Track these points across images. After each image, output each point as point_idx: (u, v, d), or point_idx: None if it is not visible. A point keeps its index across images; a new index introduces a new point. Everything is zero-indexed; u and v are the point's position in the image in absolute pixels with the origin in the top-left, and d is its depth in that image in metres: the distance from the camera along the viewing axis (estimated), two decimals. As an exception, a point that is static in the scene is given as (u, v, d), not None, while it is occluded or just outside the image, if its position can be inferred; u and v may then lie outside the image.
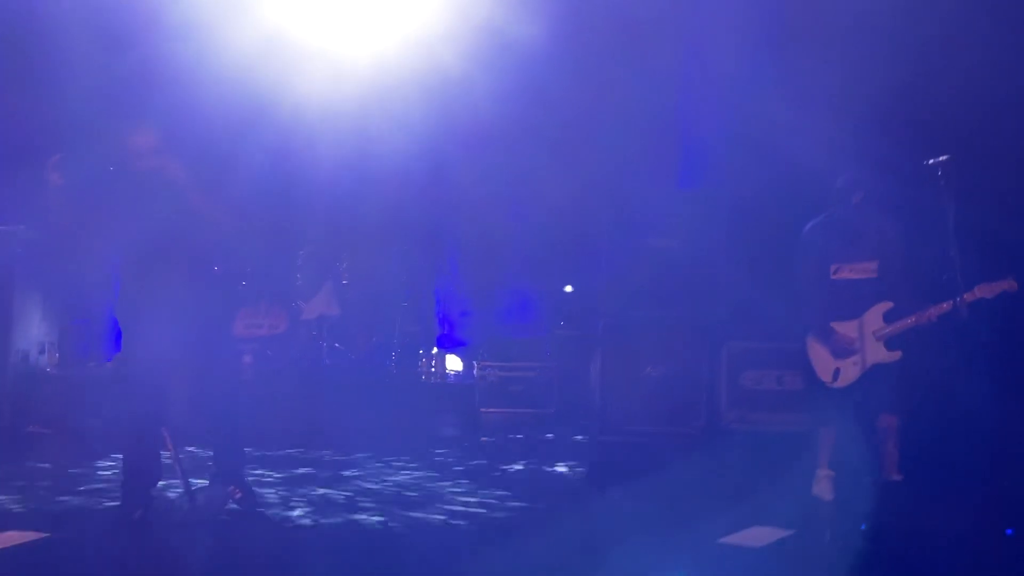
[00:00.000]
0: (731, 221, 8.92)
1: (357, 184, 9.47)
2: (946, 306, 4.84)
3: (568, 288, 9.59)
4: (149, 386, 4.50)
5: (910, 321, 5.08)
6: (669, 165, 10.12)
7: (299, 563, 4.01)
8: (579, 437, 7.57)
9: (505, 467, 6.27)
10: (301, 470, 5.94)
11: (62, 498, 5.15)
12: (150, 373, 4.48)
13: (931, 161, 4.85)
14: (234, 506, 4.71)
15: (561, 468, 6.56)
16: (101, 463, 5.92)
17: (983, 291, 4.93)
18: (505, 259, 10.20)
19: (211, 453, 4.97)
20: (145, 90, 6.55)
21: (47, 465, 5.86)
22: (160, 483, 4.63)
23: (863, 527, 4.13)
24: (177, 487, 4.70)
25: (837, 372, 5.24)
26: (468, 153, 8.99)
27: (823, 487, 5.37)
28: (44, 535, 4.22)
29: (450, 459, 6.54)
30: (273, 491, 5.28)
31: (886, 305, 5.20)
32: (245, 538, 4.38)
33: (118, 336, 9.28)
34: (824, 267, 5.29)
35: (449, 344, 9.83)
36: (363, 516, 4.84)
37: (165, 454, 4.66)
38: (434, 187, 9.71)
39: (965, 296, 4.83)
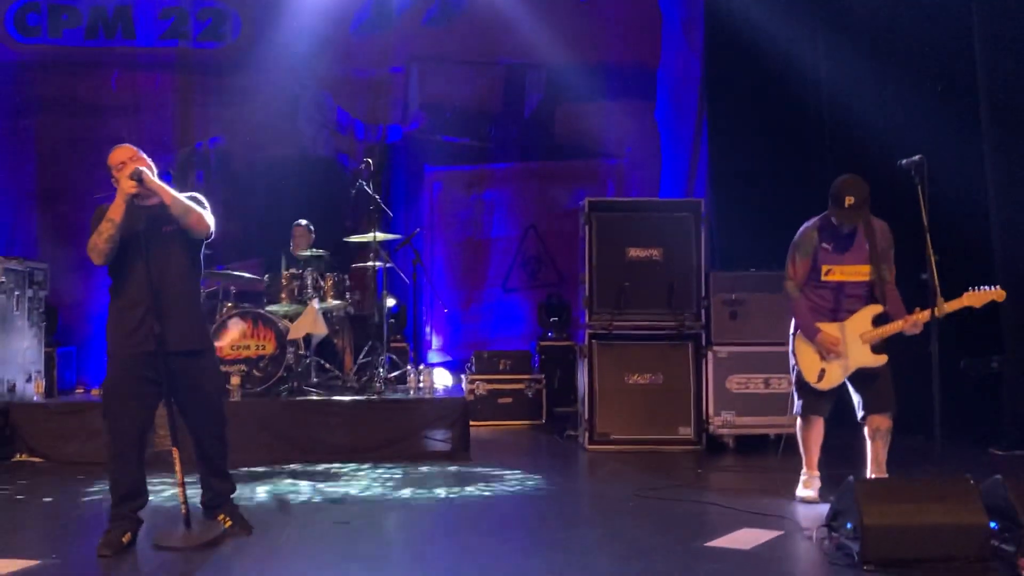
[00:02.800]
0: (713, 228, 9.10)
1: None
2: (931, 313, 4.89)
3: (553, 298, 9.64)
4: (131, 405, 4.51)
5: (897, 326, 5.14)
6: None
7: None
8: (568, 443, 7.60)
9: (494, 474, 6.29)
10: (290, 485, 5.96)
11: (52, 526, 5.16)
12: (133, 392, 4.50)
13: (904, 161, 4.94)
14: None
15: (549, 474, 6.58)
16: (91, 490, 5.92)
17: (970, 299, 4.99)
18: (490, 270, 10.27)
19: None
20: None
21: (36, 493, 5.86)
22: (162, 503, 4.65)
23: (848, 526, 4.17)
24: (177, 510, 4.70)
25: (822, 373, 5.30)
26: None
27: (809, 488, 5.43)
28: (35, 563, 4.23)
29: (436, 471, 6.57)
30: (262, 502, 5.31)
31: (875, 308, 5.26)
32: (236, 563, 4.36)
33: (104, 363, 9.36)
34: (816, 268, 5.35)
35: (438, 359, 9.88)
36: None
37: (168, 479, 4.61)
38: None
39: (950, 304, 4.92)
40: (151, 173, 4.51)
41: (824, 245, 5.33)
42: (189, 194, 4.63)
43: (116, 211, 4.42)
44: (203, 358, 4.68)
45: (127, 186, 4.39)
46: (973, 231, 7.12)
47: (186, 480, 4.54)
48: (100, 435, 6.70)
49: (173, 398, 4.62)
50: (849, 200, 5.16)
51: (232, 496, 4.89)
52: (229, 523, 4.75)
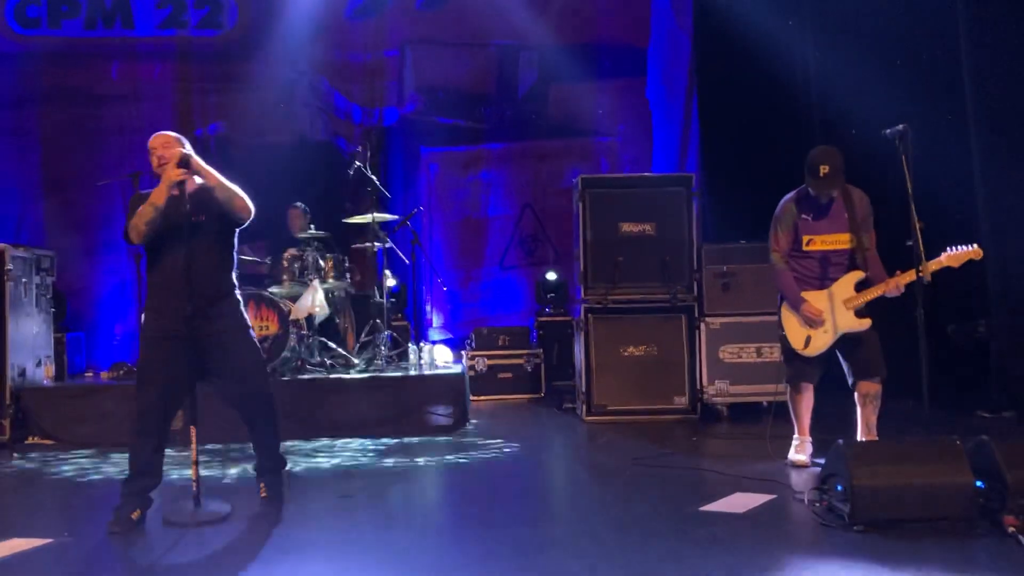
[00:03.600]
0: (704, 202, 9.10)
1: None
2: (912, 274, 4.91)
3: (551, 275, 9.64)
4: (157, 386, 4.53)
5: (879, 290, 5.16)
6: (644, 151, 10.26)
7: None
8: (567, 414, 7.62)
9: (494, 446, 6.31)
10: (294, 460, 5.98)
11: (64, 505, 5.19)
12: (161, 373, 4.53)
13: (888, 131, 4.93)
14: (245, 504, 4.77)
15: (549, 445, 6.61)
16: (101, 470, 5.94)
17: (949, 260, 5.00)
18: (488, 249, 10.27)
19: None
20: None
21: (48, 474, 5.88)
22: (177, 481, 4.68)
23: (839, 488, 4.19)
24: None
25: (808, 340, 5.32)
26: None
27: (799, 453, 5.46)
28: (48, 541, 4.26)
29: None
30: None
31: (857, 275, 5.27)
32: (233, 546, 4.38)
33: (113, 346, 9.40)
34: (797, 239, 5.36)
35: (439, 335, 9.89)
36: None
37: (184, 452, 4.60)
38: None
39: (930, 264, 4.92)
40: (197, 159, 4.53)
41: (804, 216, 5.35)
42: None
43: (159, 196, 4.44)
44: (237, 341, 4.68)
45: (174, 174, 4.40)
46: (957, 204, 7.11)
47: (200, 459, 4.57)
48: (109, 417, 6.86)
49: (212, 381, 4.68)
50: (824, 169, 5.17)
51: (277, 474, 4.94)
52: (264, 495, 4.83)
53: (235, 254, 4.80)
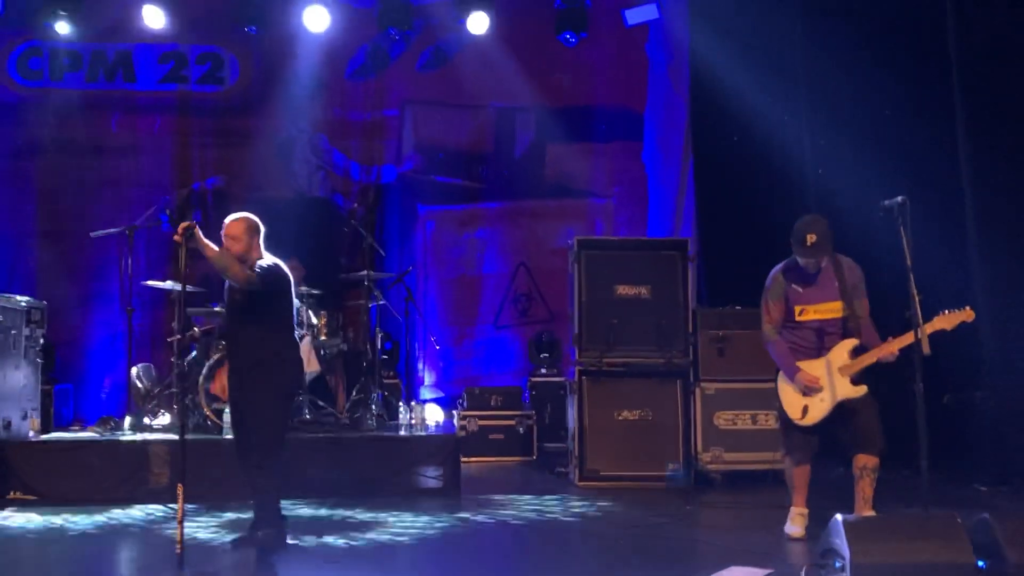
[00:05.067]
0: (699, 266, 9.07)
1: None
2: (907, 338, 4.85)
3: (544, 335, 9.57)
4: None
5: (874, 355, 5.09)
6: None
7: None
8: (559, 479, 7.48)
9: (485, 510, 6.17)
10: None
11: (43, 564, 5.03)
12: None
13: (886, 203, 4.90)
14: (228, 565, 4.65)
15: (544, 512, 6.47)
16: (79, 527, 5.79)
17: (942, 322, 4.95)
18: (482, 307, 10.21)
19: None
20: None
21: (29, 531, 5.73)
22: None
23: (837, 565, 4.07)
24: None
25: (805, 409, 5.23)
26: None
27: (796, 525, 5.33)
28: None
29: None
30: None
31: (851, 342, 5.22)
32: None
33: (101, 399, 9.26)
34: (790, 309, 5.31)
35: (429, 395, 9.77)
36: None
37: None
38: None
39: (925, 327, 4.86)
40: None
41: (794, 286, 5.31)
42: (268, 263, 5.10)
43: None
44: (248, 393, 5.03)
45: (176, 236, 4.83)
46: (951, 277, 7.08)
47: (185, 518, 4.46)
48: (92, 472, 6.71)
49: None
50: (811, 238, 5.14)
51: (271, 534, 5.00)
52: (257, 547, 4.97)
53: (266, 307, 5.09)
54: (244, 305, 5.08)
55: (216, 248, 4.97)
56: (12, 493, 6.70)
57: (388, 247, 9.46)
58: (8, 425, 6.93)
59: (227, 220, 5.20)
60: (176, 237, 4.80)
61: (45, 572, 4.85)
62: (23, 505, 6.49)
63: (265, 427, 5.00)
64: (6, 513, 6.23)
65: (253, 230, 5.19)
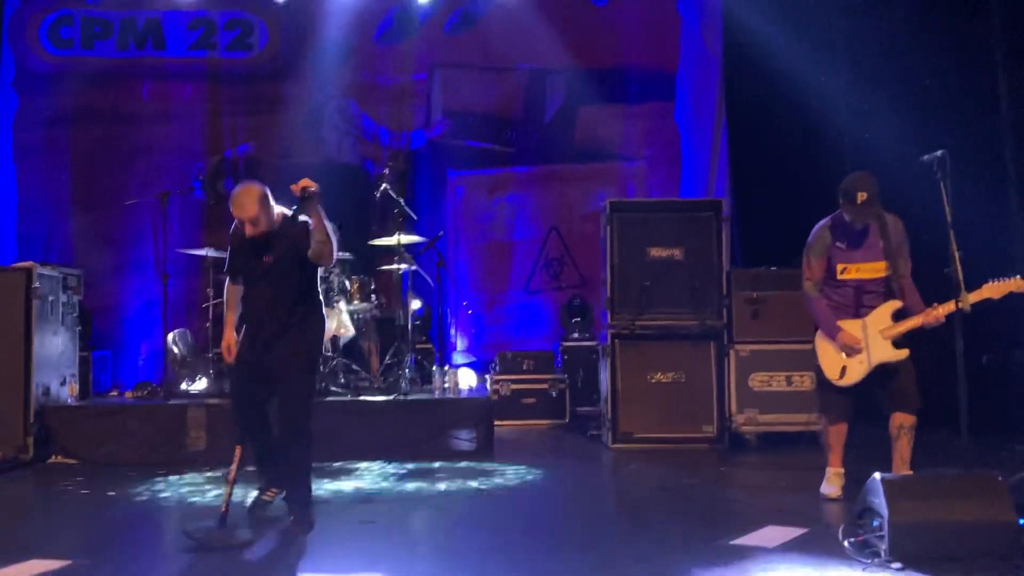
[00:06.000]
0: (734, 227, 8.99)
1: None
2: (952, 305, 4.77)
3: (576, 299, 9.54)
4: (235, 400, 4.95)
5: (917, 320, 5.02)
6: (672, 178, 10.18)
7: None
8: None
9: (518, 473, 6.20)
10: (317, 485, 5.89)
11: (84, 526, 5.12)
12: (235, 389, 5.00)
13: (926, 157, 4.81)
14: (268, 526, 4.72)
15: (577, 474, 6.47)
16: (120, 491, 5.88)
17: (990, 291, 4.86)
18: (513, 272, 10.20)
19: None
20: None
21: (69, 494, 5.83)
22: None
23: (874, 524, 4.05)
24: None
25: (844, 370, 5.18)
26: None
27: (832, 485, 5.30)
28: (67, 562, 4.18)
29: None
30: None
31: (894, 304, 5.14)
32: (253, 570, 4.30)
33: (138, 365, 9.37)
34: (832, 267, 5.24)
35: (462, 359, 9.80)
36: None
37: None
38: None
39: (971, 295, 4.78)
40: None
41: (838, 244, 5.22)
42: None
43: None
44: (287, 368, 4.80)
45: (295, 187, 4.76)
46: (992, 233, 6.96)
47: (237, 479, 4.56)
48: (132, 436, 6.82)
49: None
50: (861, 196, 5.04)
51: (307, 497, 4.93)
52: (293, 518, 4.81)
53: (312, 288, 4.98)
54: (295, 275, 4.83)
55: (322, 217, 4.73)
56: (54, 457, 6.84)
57: (419, 212, 9.43)
58: (48, 391, 7.04)
59: (242, 197, 4.77)
60: (295, 188, 4.67)
61: (86, 534, 4.93)
62: (64, 469, 6.60)
63: (303, 395, 4.88)
64: (49, 476, 6.34)
65: (267, 199, 4.85)
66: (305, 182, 4.69)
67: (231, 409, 5.00)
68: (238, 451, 4.68)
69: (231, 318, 5.01)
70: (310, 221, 4.71)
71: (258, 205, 4.75)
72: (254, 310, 4.85)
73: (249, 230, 4.78)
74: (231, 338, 4.94)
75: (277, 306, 4.80)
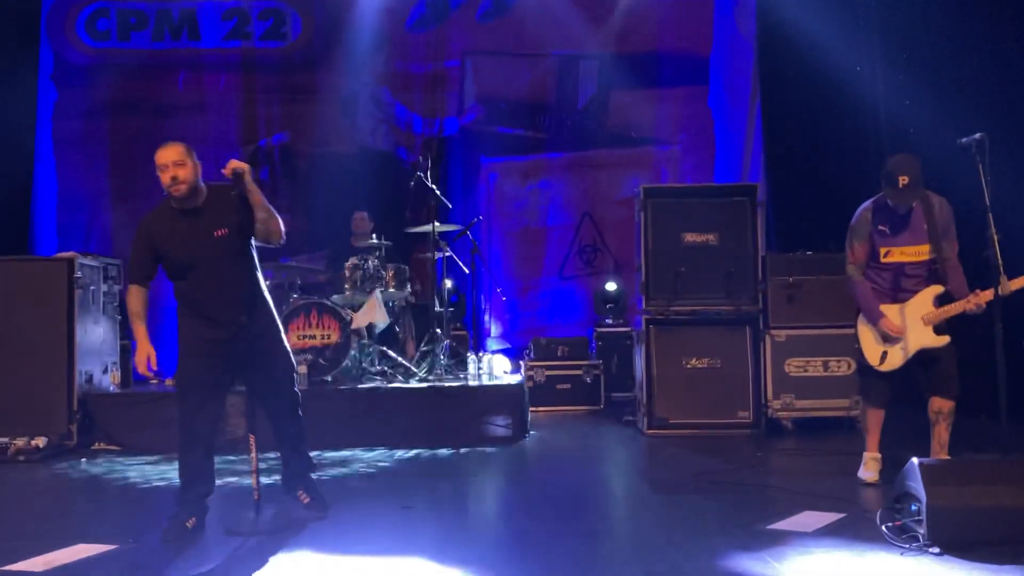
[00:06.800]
0: (769, 212, 8.94)
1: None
2: (993, 292, 4.72)
3: (610, 285, 9.55)
4: (198, 394, 4.53)
5: (960, 307, 4.97)
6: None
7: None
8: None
9: (554, 458, 6.24)
10: (354, 470, 5.96)
11: (128, 512, 5.22)
12: (199, 379, 4.53)
13: (964, 140, 4.76)
14: (303, 511, 4.78)
15: (612, 460, 6.50)
16: (165, 477, 5.99)
17: None
18: (546, 258, 10.22)
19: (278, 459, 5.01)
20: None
21: (113, 480, 5.95)
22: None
23: (912, 508, 4.04)
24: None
25: (884, 355, 5.15)
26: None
27: (870, 470, 5.29)
28: (112, 547, 4.28)
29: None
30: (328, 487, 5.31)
31: (937, 289, 5.10)
32: (292, 555, 4.37)
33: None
34: (875, 250, 5.20)
35: (497, 346, 9.84)
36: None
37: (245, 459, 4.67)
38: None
39: (1012, 283, 4.72)
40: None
41: (880, 227, 5.17)
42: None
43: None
44: (267, 342, 4.65)
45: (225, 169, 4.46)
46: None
47: (261, 467, 4.57)
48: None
49: (246, 384, 4.69)
50: (904, 180, 4.98)
51: (311, 474, 4.93)
52: (307, 499, 4.80)
53: (255, 259, 4.72)
54: (247, 251, 4.61)
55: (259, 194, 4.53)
56: (97, 444, 6.97)
57: (452, 200, 9.47)
58: (90, 379, 7.18)
59: (166, 146, 4.50)
60: (226, 170, 4.41)
61: (129, 519, 5.03)
62: (107, 455, 6.74)
63: (289, 366, 4.77)
64: (93, 462, 6.47)
65: (192, 151, 4.54)
66: (234, 163, 4.43)
67: (184, 407, 4.54)
68: (252, 439, 4.63)
69: (142, 328, 4.56)
70: (249, 195, 4.50)
71: (184, 151, 4.48)
72: (209, 293, 4.50)
73: (177, 189, 4.43)
74: (149, 349, 4.52)
75: (238, 282, 4.54)
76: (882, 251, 5.17)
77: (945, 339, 5.05)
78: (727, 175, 10.02)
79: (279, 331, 4.79)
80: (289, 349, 4.82)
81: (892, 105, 8.42)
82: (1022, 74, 7.16)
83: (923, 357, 5.09)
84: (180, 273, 4.55)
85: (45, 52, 9.98)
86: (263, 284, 4.76)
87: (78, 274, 6.98)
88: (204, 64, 10.13)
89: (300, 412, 4.83)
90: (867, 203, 5.28)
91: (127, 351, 8.18)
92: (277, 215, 4.58)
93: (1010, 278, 4.73)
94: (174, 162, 4.45)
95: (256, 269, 4.72)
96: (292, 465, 4.88)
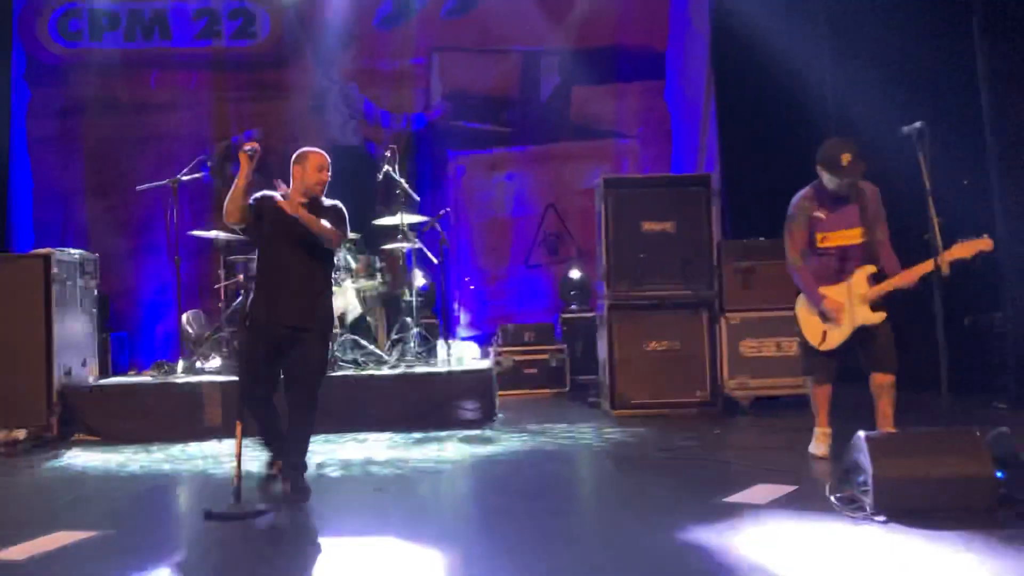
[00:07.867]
0: (723, 200, 9.03)
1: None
2: (926, 265, 4.82)
3: (574, 273, 9.59)
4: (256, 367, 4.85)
5: (893, 283, 5.07)
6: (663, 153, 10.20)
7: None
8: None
9: (521, 439, 6.27)
10: (328, 455, 5.97)
11: (109, 499, 5.19)
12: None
13: (906, 128, 4.83)
14: (284, 497, 4.79)
15: (578, 439, 6.55)
16: (142, 466, 5.96)
17: (961, 250, 4.89)
18: (513, 248, 10.24)
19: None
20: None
21: (92, 469, 5.90)
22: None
23: (859, 480, 4.11)
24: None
25: (824, 335, 5.24)
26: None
27: (820, 444, 5.37)
28: (92, 533, 4.26)
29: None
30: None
31: (870, 269, 5.19)
32: (272, 538, 4.37)
33: (154, 345, 9.44)
34: (812, 235, 5.28)
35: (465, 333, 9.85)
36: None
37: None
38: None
39: (944, 255, 4.82)
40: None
41: (817, 214, 5.26)
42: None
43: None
44: (314, 340, 4.84)
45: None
46: (972, 203, 6.98)
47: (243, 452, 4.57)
48: (150, 415, 6.89)
49: (284, 366, 4.87)
50: (846, 157, 5.07)
51: (301, 468, 4.94)
52: (289, 487, 4.81)
53: (331, 264, 5.15)
54: (321, 245, 4.96)
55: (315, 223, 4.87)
56: (76, 435, 6.91)
57: (421, 192, 9.44)
58: (69, 372, 7.10)
59: (323, 154, 5.10)
60: (244, 151, 4.79)
61: (110, 506, 5.00)
62: (86, 445, 6.68)
63: (324, 364, 4.98)
64: (73, 452, 6.42)
65: None
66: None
67: (241, 376, 4.93)
68: (239, 426, 4.65)
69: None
70: (342, 209, 5.12)
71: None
72: (281, 273, 4.82)
73: (317, 190, 4.98)
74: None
75: (305, 271, 4.84)
76: (819, 236, 5.27)
77: (882, 315, 5.14)
78: (684, 165, 10.08)
79: (328, 330, 5.10)
80: (324, 351, 5.00)
81: (840, 96, 8.52)
82: (961, 66, 7.28)
83: (863, 334, 5.18)
84: (263, 244, 4.98)
85: (18, 53, 9.82)
86: (328, 284, 5.10)
87: (55, 270, 6.90)
88: (176, 63, 10.02)
89: (315, 412, 4.90)
90: (804, 191, 5.37)
91: (105, 344, 8.12)
92: (332, 230, 4.94)
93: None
94: (323, 183, 5.04)
95: (326, 269, 5.10)
96: (289, 454, 4.92)
